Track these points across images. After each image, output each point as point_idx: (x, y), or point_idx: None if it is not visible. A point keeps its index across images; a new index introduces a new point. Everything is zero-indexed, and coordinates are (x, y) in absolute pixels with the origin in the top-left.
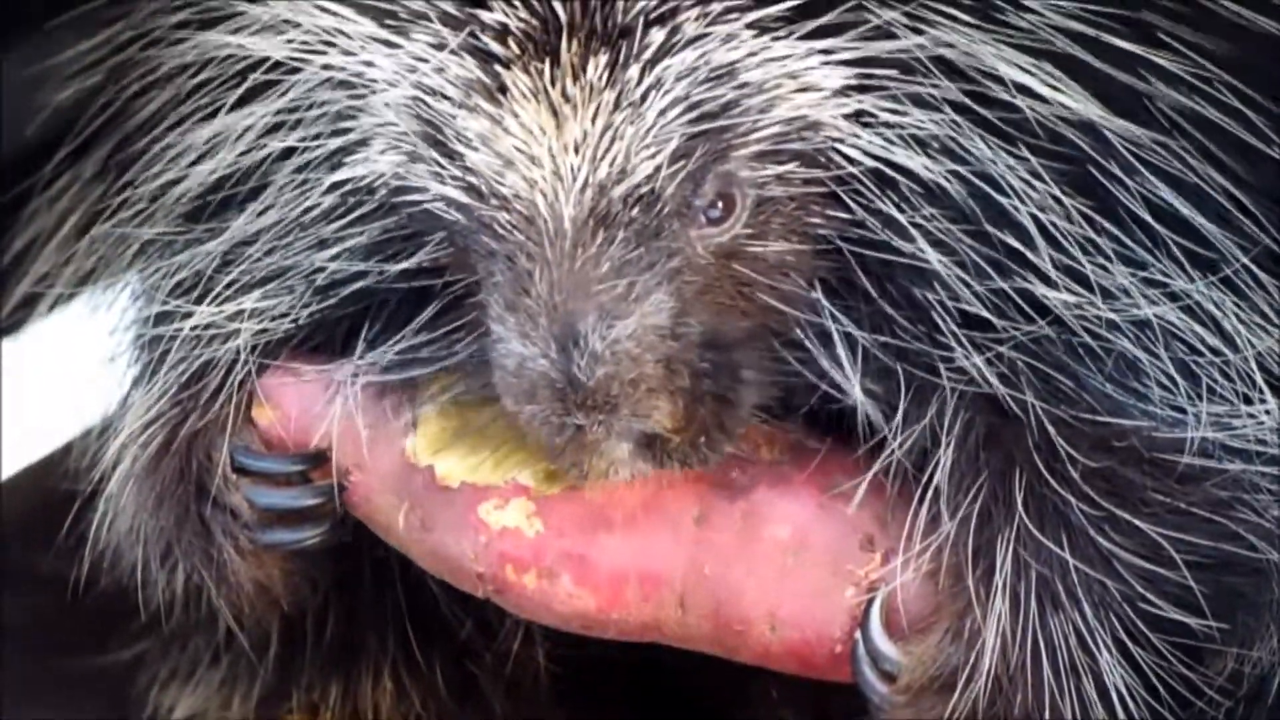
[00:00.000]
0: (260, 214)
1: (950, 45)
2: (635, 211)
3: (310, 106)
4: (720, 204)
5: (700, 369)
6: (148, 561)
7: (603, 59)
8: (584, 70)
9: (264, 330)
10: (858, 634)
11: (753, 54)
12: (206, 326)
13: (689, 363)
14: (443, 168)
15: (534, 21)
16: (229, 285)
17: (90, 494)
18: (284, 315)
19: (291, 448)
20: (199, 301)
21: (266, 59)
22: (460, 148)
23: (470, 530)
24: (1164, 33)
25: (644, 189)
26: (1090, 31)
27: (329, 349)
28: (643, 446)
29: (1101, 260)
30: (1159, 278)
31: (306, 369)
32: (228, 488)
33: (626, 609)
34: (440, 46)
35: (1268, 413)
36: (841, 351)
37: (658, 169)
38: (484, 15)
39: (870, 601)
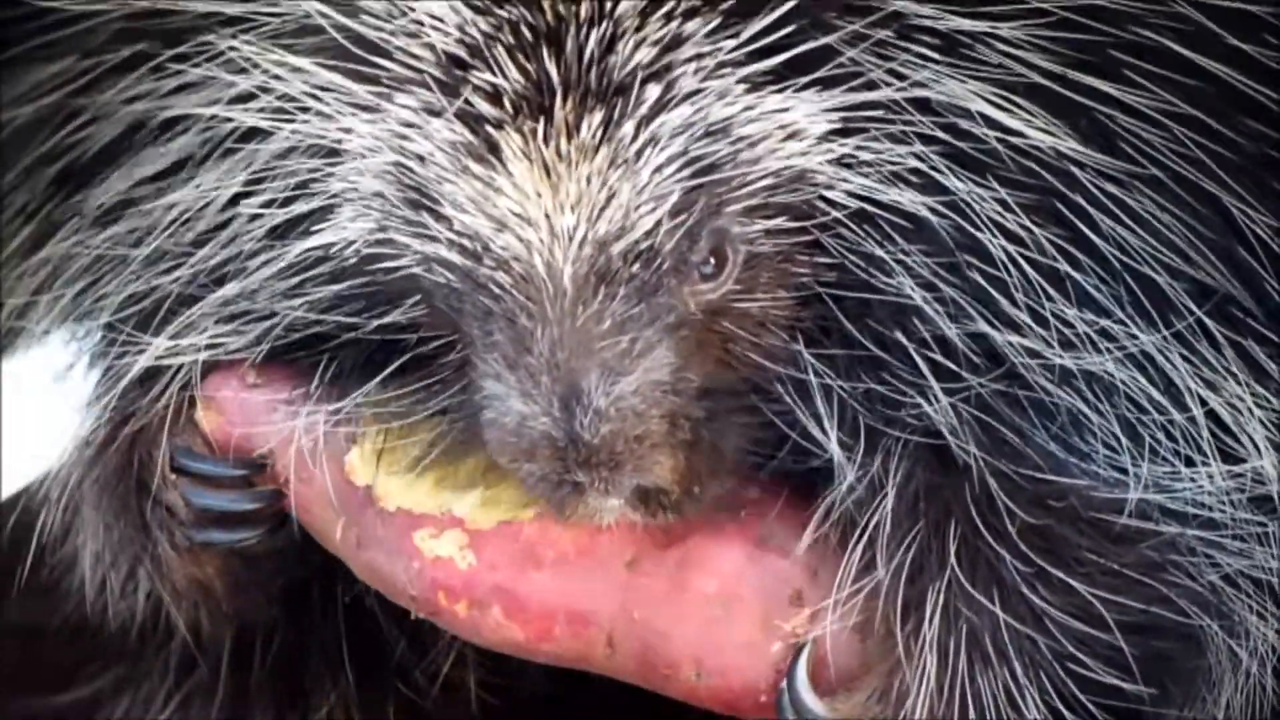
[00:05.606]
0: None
1: (923, 85)
2: (635, 268)
3: (276, 175)
4: (713, 260)
5: (699, 421)
6: (93, 557)
7: (597, 117)
8: (578, 129)
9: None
10: (783, 685)
11: (747, 109)
12: (159, 356)
13: (690, 416)
14: (428, 230)
15: (526, 82)
16: (185, 324)
17: (47, 540)
18: (240, 350)
19: (233, 453)
20: (156, 333)
21: (236, 127)
22: (451, 211)
23: (404, 555)
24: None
25: (644, 245)
26: (1056, 67)
27: (283, 362)
28: (637, 499)
29: (1062, 304)
30: (1115, 328)
31: (254, 380)
32: (166, 485)
33: (555, 643)
34: (430, 111)
35: (1209, 477)
36: (820, 406)
37: (658, 224)
38: (475, 78)
39: (797, 655)
